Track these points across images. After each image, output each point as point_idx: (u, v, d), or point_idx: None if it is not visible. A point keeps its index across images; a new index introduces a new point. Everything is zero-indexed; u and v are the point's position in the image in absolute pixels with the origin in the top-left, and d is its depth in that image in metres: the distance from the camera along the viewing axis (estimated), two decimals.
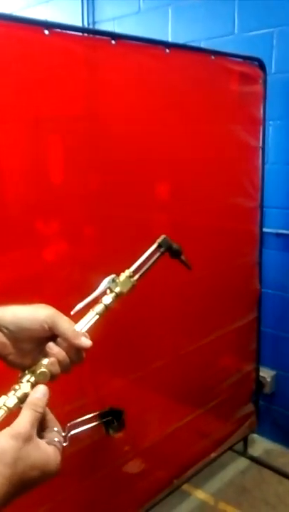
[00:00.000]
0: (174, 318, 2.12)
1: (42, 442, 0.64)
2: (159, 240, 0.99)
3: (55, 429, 0.69)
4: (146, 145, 1.84)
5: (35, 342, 0.73)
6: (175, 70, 1.89)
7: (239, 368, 2.60)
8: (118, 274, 0.91)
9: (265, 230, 2.55)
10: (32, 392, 0.68)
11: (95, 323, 0.83)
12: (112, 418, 0.84)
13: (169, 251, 1.00)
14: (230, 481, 2.62)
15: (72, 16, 3.21)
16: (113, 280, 0.89)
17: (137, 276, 0.92)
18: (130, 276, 0.91)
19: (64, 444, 0.69)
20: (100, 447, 1.85)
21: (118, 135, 1.74)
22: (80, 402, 1.72)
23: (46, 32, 1.45)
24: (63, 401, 1.53)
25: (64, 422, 0.72)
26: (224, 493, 2.52)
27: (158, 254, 0.97)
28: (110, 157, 1.73)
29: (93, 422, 0.82)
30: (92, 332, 0.82)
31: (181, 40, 2.65)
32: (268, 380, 2.78)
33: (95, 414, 0.82)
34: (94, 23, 3.24)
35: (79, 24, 3.10)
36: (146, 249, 0.97)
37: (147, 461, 2.13)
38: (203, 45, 2.63)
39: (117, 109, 1.73)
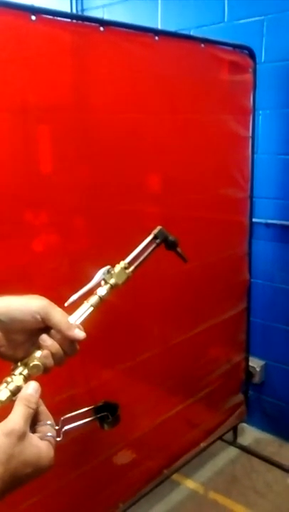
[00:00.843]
0: (163, 309, 2.11)
1: (35, 438, 0.63)
2: (155, 231, 0.97)
3: (48, 422, 0.68)
4: (136, 135, 1.82)
5: (27, 333, 0.72)
6: (164, 58, 1.87)
7: (229, 358, 2.61)
8: (113, 266, 0.89)
9: (254, 220, 2.54)
10: (24, 388, 0.67)
11: (89, 315, 0.82)
12: (107, 413, 0.82)
13: (165, 242, 0.98)
14: (220, 470, 2.63)
15: (60, 2, 3.16)
16: (108, 271, 0.88)
17: (132, 268, 0.91)
18: (125, 268, 0.90)
19: (58, 439, 0.68)
20: (89, 438, 1.85)
21: (107, 124, 1.72)
22: (69, 392, 1.72)
23: (33, 17, 1.42)
24: (53, 391, 1.52)
25: (54, 412, 0.71)
26: (214, 482, 2.54)
27: (153, 246, 0.96)
28: (100, 147, 1.71)
29: (87, 416, 0.81)
30: (86, 324, 0.81)
31: (170, 28, 2.62)
32: (258, 370, 2.79)
33: (89, 408, 0.81)
34: (82, 10, 3.19)
35: (68, 11, 3.05)
36: (141, 241, 0.95)
37: (137, 452, 2.13)
38: (193, 33, 2.61)
39: (106, 97, 1.71)
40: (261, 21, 2.47)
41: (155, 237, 0.97)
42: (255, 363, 2.80)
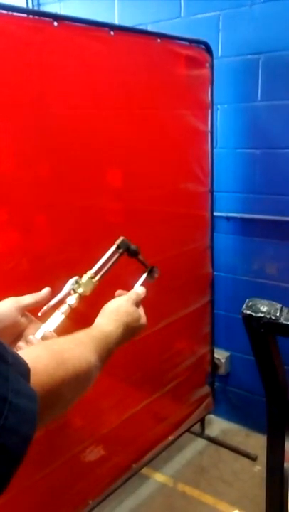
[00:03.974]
0: None
1: (136, 309, 1.01)
2: (117, 242, 1.10)
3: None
4: (95, 130, 1.81)
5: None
6: (120, 53, 1.86)
7: (194, 351, 2.63)
8: (81, 276, 1.02)
9: (215, 213, 2.57)
10: (138, 289, 1.07)
11: (61, 322, 0.96)
12: (151, 269, 1.15)
13: (127, 251, 1.11)
14: (189, 462, 2.66)
15: None
16: (76, 282, 1.01)
17: (98, 277, 1.04)
18: (92, 278, 1.02)
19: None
20: (57, 436, 1.84)
21: (65, 120, 1.70)
22: None
23: None
24: None
25: None
26: (182, 474, 2.57)
27: (117, 256, 1.09)
28: (58, 142, 1.69)
29: (144, 276, 1.13)
30: (59, 330, 0.94)
31: (128, 23, 2.61)
32: (223, 361, 2.83)
33: (144, 272, 1.14)
34: (39, 4, 3.15)
35: (23, 6, 3.00)
36: (105, 251, 1.08)
37: (105, 448, 2.13)
38: (150, 28, 2.61)
39: (63, 93, 1.68)
40: (217, 16, 2.50)
41: (118, 248, 1.10)
42: (220, 355, 2.84)
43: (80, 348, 0.78)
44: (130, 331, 0.96)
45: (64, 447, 1.93)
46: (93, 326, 0.92)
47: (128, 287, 1.10)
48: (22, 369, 0.58)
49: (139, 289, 1.07)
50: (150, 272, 1.14)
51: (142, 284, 1.10)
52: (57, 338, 0.91)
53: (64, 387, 0.67)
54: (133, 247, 1.11)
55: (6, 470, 0.51)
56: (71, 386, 0.70)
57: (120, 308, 0.97)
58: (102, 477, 2.14)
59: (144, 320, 1.02)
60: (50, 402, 0.64)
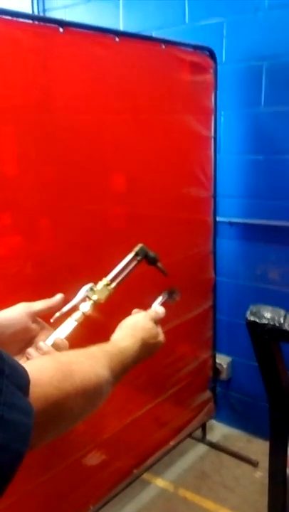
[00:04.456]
0: (130, 308, 2.11)
1: (154, 325, 0.99)
2: (136, 249, 1.05)
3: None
4: (99, 135, 1.82)
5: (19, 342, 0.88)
6: (125, 59, 1.87)
7: (196, 356, 2.63)
8: (96, 283, 0.98)
9: (218, 219, 2.58)
10: (158, 308, 1.05)
11: (74, 329, 0.92)
12: (173, 291, 1.11)
13: (146, 259, 1.07)
14: (190, 467, 2.66)
15: (21, 3, 3.12)
16: (91, 288, 0.96)
17: (114, 284, 0.99)
18: (107, 285, 0.98)
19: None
20: (58, 440, 1.84)
21: (70, 125, 1.71)
22: None
23: None
24: None
25: None
26: (184, 480, 2.56)
27: (135, 263, 1.04)
28: (63, 147, 1.70)
29: (164, 296, 1.10)
30: (71, 338, 0.91)
31: (132, 30, 2.63)
32: (225, 366, 2.83)
33: (164, 292, 1.11)
34: (44, 10, 3.17)
35: (29, 12, 3.02)
36: (123, 258, 1.04)
37: (107, 452, 2.13)
38: (154, 34, 2.62)
39: (68, 98, 1.70)
40: (221, 23, 2.51)
41: (136, 255, 1.03)
42: (222, 360, 2.84)
43: (90, 362, 0.74)
44: (147, 348, 0.93)
45: (66, 452, 1.93)
46: (109, 341, 0.90)
47: (147, 296, 1.09)
48: (20, 381, 0.56)
49: (158, 308, 1.05)
50: (171, 293, 1.10)
51: (162, 305, 1.07)
52: (67, 351, 0.88)
53: (70, 400, 0.65)
54: (152, 254, 1.06)
55: None
56: (78, 400, 0.67)
57: (137, 324, 0.96)
58: (103, 482, 2.14)
59: (162, 337, 0.99)
60: (55, 414, 0.62)
